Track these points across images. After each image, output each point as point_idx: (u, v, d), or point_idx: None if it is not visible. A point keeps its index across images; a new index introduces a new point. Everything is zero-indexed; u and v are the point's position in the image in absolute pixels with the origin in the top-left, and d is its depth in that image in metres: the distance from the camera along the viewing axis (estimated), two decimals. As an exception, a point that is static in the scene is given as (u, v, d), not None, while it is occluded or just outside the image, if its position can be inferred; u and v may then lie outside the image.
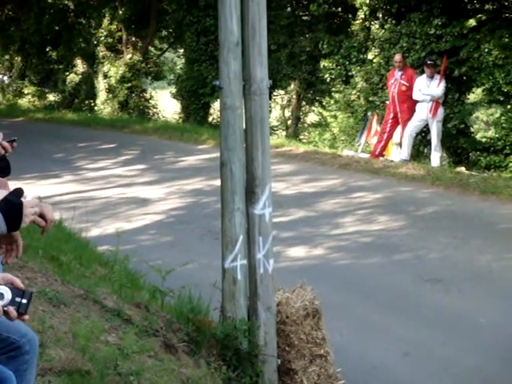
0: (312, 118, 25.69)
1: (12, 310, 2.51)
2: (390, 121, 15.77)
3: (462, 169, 15.17)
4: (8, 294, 2.52)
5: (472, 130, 18.40)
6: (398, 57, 15.88)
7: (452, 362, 6.88)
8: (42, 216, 3.10)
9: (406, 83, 15.38)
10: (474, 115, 18.20)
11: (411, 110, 15.41)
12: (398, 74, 15.62)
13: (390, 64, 17.30)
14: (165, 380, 4.83)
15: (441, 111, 15.30)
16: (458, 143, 16.89)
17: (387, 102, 16.25)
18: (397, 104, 15.56)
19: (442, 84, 15.11)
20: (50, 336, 4.74)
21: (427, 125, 15.51)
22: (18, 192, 2.82)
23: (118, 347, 4.90)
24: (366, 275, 8.97)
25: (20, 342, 3.05)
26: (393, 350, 7.08)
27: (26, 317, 2.57)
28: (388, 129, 15.79)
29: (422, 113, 15.23)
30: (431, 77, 15.17)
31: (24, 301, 2.55)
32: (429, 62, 15.54)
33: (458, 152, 17.11)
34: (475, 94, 18.50)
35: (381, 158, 15.65)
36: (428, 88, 15.09)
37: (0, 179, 3.31)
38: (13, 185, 3.41)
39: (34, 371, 3.19)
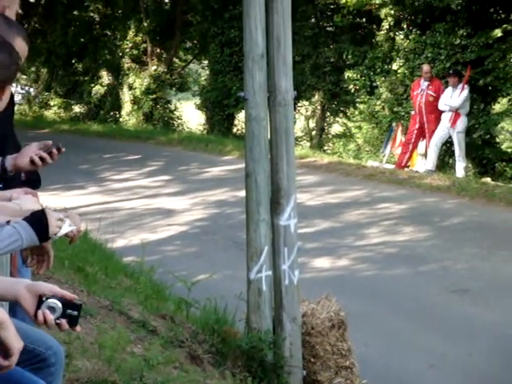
0: (336, 128, 25.65)
1: (64, 322, 2.51)
2: (414, 131, 15.69)
3: (488, 179, 15.08)
4: (59, 307, 2.53)
5: (497, 140, 18.31)
6: (426, 67, 15.77)
7: (478, 374, 6.83)
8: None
9: (433, 94, 15.29)
10: (499, 125, 18.07)
11: (438, 121, 15.33)
12: (424, 84, 15.52)
13: (415, 74, 17.28)
14: (190, 391, 4.83)
15: (461, 122, 15.10)
16: (484, 154, 16.81)
17: (412, 113, 16.17)
18: (424, 114, 15.48)
19: (463, 94, 14.95)
20: (76, 347, 4.75)
21: (452, 135, 15.45)
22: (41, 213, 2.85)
23: (144, 358, 4.90)
24: (392, 286, 8.92)
25: (46, 354, 3.05)
26: (418, 362, 7.03)
27: (78, 328, 2.57)
28: (413, 139, 15.71)
29: (446, 123, 15.16)
30: (454, 87, 15.10)
31: (75, 313, 2.55)
32: (450, 72, 15.50)
33: (484, 162, 17.03)
34: (500, 104, 18.44)
35: (406, 169, 15.59)
36: (450, 98, 15.02)
37: (30, 190, 3.33)
38: (39, 196, 3.43)
39: (60, 383, 3.20)
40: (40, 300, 2.51)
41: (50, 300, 2.51)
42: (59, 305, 2.52)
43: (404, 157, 15.81)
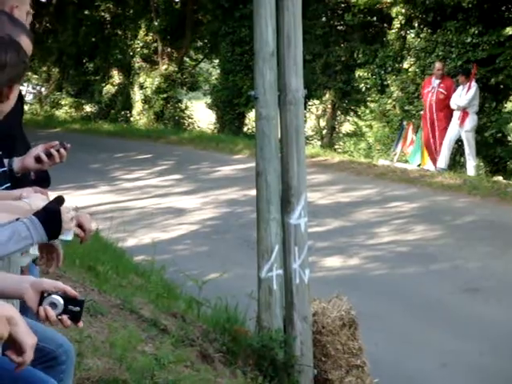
0: (347, 127, 25.62)
1: (66, 319, 2.52)
2: (428, 131, 15.58)
3: (500, 178, 15.02)
4: (61, 303, 2.53)
5: (509, 138, 18.25)
6: (439, 65, 15.69)
7: (490, 372, 6.81)
8: (80, 226, 3.12)
9: (444, 91, 15.22)
10: (511, 124, 18.00)
11: (448, 119, 15.25)
12: (435, 82, 15.44)
13: (426, 73, 17.24)
14: (201, 390, 4.83)
15: (469, 121, 14.99)
16: (495, 152, 16.76)
17: (421, 113, 16.09)
18: (433, 112, 15.42)
19: (470, 93, 14.85)
20: (87, 345, 4.76)
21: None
22: (58, 200, 2.84)
23: (155, 357, 4.90)
24: (403, 285, 8.91)
25: (56, 353, 3.05)
26: (430, 361, 7.02)
27: (81, 324, 2.58)
28: (431, 138, 15.56)
29: (456, 122, 15.10)
30: (463, 85, 15.03)
31: (77, 308, 2.55)
32: (458, 70, 15.48)
33: (496, 161, 16.98)
34: (512, 103, 18.40)
35: (417, 167, 15.55)
36: (459, 97, 14.97)
37: (40, 189, 3.33)
38: (50, 195, 3.44)
39: (71, 381, 3.20)
40: (42, 296, 2.52)
41: (51, 296, 2.53)
42: (61, 301, 2.53)
43: (433, 157, 15.57)
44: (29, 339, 2.35)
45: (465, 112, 14.95)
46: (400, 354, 7.16)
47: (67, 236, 2.90)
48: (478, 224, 11.44)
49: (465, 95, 14.88)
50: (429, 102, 15.55)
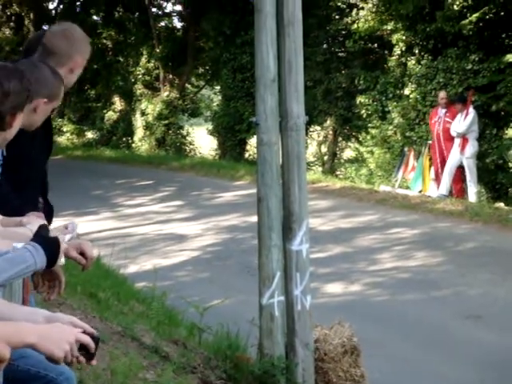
0: (348, 153, 25.66)
1: (82, 358, 2.49)
2: (437, 160, 15.54)
3: (501, 204, 15.02)
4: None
5: (510, 165, 18.26)
6: (442, 94, 15.73)
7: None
8: (82, 253, 3.12)
9: (450, 120, 15.21)
10: (512, 150, 18.03)
11: (456, 147, 15.28)
12: (441, 111, 15.47)
13: (427, 99, 17.29)
14: (202, 417, 4.81)
15: (469, 147, 14.99)
16: (497, 178, 16.77)
17: (429, 142, 16.08)
18: (442, 142, 15.40)
19: (468, 120, 14.84)
20: (88, 373, 4.74)
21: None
22: (45, 228, 2.85)
23: (156, 384, 4.89)
24: (405, 312, 8.88)
25: (57, 380, 3.04)
26: (432, 388, 6.99)
27: (94, 362, 2.55)
28: (439, 168, 15.53)
29: (457, 149, 15.10)
30: (461, 112, 15.03)
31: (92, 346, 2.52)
32: (454, 98, 15.50)
33: (497, 187, 16.99)
34: (514, 130, 18.44)
35: (418, 193, 15.55)
36: (458, 124, 14.98)
37: (41, 214, 3.34)
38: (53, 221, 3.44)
39: (72, 409, 3.19)
40: None
41: None
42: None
43: (456, 186, 15.52)
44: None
45: (464, 139, 14.95)
46: (402, 380, 7.12)
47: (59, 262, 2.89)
48: (479, 250, 11.42)
49: (463, 122, 14.90)
50: (436, 132, 15.57)
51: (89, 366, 4.74)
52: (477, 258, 10.97)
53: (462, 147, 14.95)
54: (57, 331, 2.39)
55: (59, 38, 4.05)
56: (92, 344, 2.48)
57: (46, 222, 3.14)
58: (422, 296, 9.41)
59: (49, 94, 3.63)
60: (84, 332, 2.49)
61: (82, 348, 2.47)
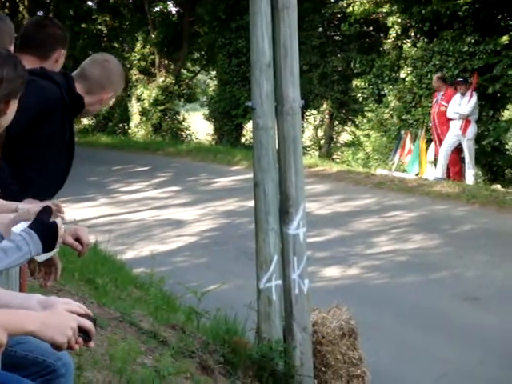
0: (345, 137, 25.66)
1: (80, 340, 2.48)
2: (437, 142, 15.54)
3: (498, 186, 15.03)
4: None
5: (507, 147, 18.28)
6: (433, 79, 15.80)
7: (491, 382, 6.80)
8: (78, 240, 3.11)
9: (445, 104, 15.21)
10: (508, 133, 18.03)
11: (450, 130, 15.29)
12: (439, 95, 15.50)
13: (423, 82, 17.30)
14: (201, 401, 4.82)
15: (471, 129, 15.05)
16: (494, 161, 16.78)
17: (430, 124, 16.10)
18: (437, 125, 15.42)
19: (472, 101, 14.88)
20: (87, 358, 4.75)
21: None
22: (48, 211, 2.83)
23: (155, 369, 4.89)
24: (403, 294, 8.90)
25: (55, 366, 3.04)
26: (430, 370, 7.00)
27: (92, 344, 2.53)
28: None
29: (455, 131, 15.08)
30: (463, 94, 15.03)
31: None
32: (458, 80, 15.46)
33: (494, 169, 17.00)
34: (510, 111, 18.42)
35: (415, 177, 15.55)
36: (459, 106, 14.96)
37: (34, 200, 3.32)
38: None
39: (70, 394, 3.19)
40: None
41: None
42: None
43: (454, 169, 15.50)
44: None
45: (467, 120, 14.93)
46: (400, 363, 7.15)
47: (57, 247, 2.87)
48: (476, 232, 11.44)
49: (466, 104, 14.87)
50: (432, 115, 15.61)
51: (87, 351, 4.77)
52: (474, 239, 10.99)
53: (465, 129, 14.94)
54: (57, 317, 2.39)
55: (97, 68, 4.14)
56: (93, 328, 2.48)
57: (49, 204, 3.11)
58: (420, 279, 9.44)
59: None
60: (81, 315, 2.48)
61: (80, 331, 2.46)
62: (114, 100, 4.26)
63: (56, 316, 2.40)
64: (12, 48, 3.85)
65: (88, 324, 2.46)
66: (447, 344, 7.51)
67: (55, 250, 2.90)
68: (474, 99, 14.93)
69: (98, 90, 4.12)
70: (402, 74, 18.51)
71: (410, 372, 6.99)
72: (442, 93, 15.41)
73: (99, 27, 31.62)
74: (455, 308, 8.45)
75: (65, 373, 3.06)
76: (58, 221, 2.82)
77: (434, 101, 15.62)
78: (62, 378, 3.05)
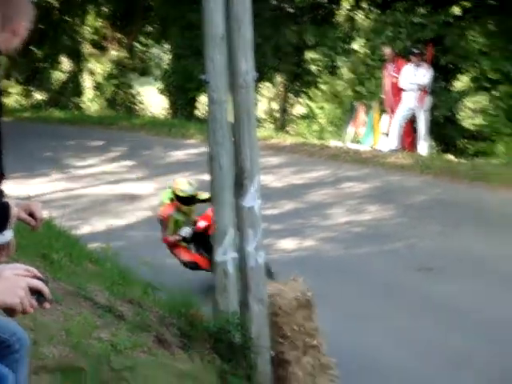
0: (299, 109, 25.65)
1: (34, 302, 2.46)
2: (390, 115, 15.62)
3: (451, 157, 15.16)
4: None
5: (459, 117, 18.42)
6: (387, 50, 15.81)
7: (444, 347, 6.92)
8: (31, 214, 3.09)
9: (396, 75, 15.27)
10: (460, 103, 18.17)
11: (403, 101, 15.35)
12: (390, 67, 15.54)
13: (376, 54, 17.31)
14: (159, 375, 4.83)
15: (428, 100, 15.17)
16: (446, 131, 16.91)
17: (382, 96, 16.16)
18: (391, 97, 15.48)
19: (429, 73, 14.99)
20: (42, 334, 4.73)
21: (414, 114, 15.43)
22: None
23: (111, 343, 4.89)
24: (358, 265, 8.99)
25: (10, 341, 3.02)
26: (386, 339, 7.10)
27: (48, 305, 2.51)
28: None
29: (410, 102, 15.12)
30: (418, 65, 15.08)
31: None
32: (414, 51, 15.49)
33: (446, 140, 17.13)
34: (462, 82, 18.53)
35: (369, 148, 15.62)
36: (415, 77, 15.01)
37: None
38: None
39: (25, 370, 3.17)
40: None
41: None
42: None
43: (407, 140, 15.56)
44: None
45: (424, 91, 14.98)
46: (356, 333, 7.23)
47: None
48: (430, 203, 11.55)
49: (423, 75, 14.90)
50: (386, 87, 15.65)
51: (42, 326, 4.74)
52: (428, 210, 11.11)
53: (421, 100, 14.99)
54: (6, 281, 2.39)
55: None
56: (45, 288, 2.46)
57: None
58: (375, 249, 9.53)
59: None
60: (31, 277, 2.47)
61: (34, 293, 2.45)
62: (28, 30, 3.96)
63: (4, 280, 2.39)
64: None
65: (39, 284, 2.44)
66: (402, 312, 7.62)
67: (11, 234, 2.88)
68: (432, 70, 15.00)
69: (7, 23, 3.88)
70: (355, 46, 18.53)
71: (366, 340, 7.08)
72: (393, 65, 15.45)
73: (50, 0, 31.16)
74: (409, 278, 8.56)
75: (20, 348, 3.04)
76: (11, 201, 2.80)
77: (387, 73, 15.65)
78: (16, 353, 3.03)
